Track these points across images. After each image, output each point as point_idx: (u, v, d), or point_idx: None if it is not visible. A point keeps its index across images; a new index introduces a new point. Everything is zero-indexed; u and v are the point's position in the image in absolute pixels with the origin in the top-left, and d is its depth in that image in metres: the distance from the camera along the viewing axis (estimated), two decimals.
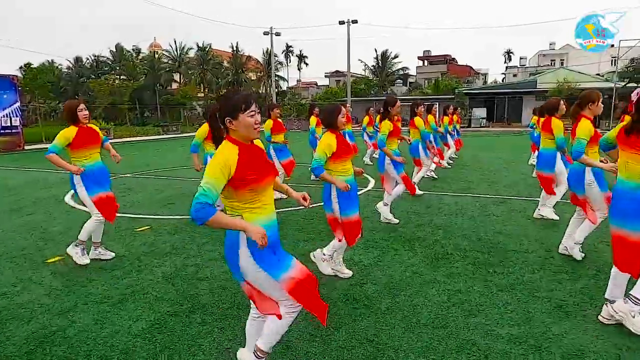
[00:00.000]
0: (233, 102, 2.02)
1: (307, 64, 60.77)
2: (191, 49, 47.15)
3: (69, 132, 3.99)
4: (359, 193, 7.46)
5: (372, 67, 49.76)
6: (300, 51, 61.26)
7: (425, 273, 3.90)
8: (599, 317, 2.98)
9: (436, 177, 9.07)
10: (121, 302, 3.40)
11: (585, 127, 3.76)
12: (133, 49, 47.85)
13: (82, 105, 4.07)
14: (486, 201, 6.85)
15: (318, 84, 63.09)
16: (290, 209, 6.46)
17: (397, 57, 48.72)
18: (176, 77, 49.28)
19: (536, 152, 10.18)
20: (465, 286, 3.59)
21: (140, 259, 4.40)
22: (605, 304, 2.94)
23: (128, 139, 25.68)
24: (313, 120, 8.71)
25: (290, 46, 59.89)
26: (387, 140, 5.25)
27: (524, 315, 3.08)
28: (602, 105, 3.83)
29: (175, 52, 47.60)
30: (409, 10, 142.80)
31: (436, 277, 3.80)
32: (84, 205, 4.45)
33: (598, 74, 38.97)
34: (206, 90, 48.24)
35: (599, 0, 33.13)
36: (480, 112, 36.25)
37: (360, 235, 3.82)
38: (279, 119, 7.04)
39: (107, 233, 5.09)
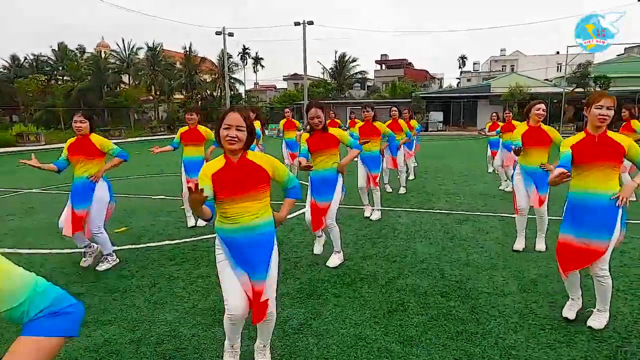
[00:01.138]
0: None
1: (263, 67, 59.07)
2: (141, 48, 44.57)
3: None
4: (295, 213, 6.22)
5: (330, 70, 49.17)
6: (257, 53, 59.85)
7: (373, 338, 2.84)
8: None
9: (391, 190, 8.11)
10: None
11: (563, 143, 2.93)
12: (77, 49, 44.71)
13: None
14: (449, 219, 5.94)
15: (277, 87, 61.84)
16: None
17: (356, 60, 48.32)
18: (125, 78, 46.62)
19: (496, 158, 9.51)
20: None
21: None
22: None
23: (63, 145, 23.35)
24: (258, 124, 7.66)
25: (247, 48, 58.31)
26: (315, 156, 3.96)
27: None
28: (600, 113, 2.68)
29: (124, 52, 44.80)
30: (368, 15, 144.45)
31: (387, 345, 2.75)
32: None
33: (547, 79, 40.28)
34: (158, 93, 45.87)
35: (548, 9, 34.14)
36: (437, 116, 36.39)
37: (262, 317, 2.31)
38: (197, 127, 5.48)
39: None
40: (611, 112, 2.73)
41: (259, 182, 2.24)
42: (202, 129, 5.49)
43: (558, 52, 55.46)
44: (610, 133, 2.81)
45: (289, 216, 6.34)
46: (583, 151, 2.77)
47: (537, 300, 3.36)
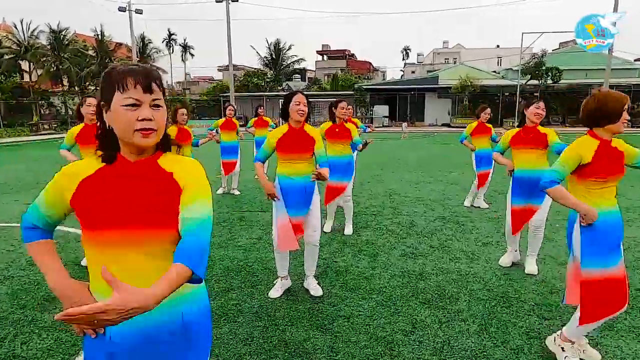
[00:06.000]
0: None
1: (192, 55, 52.97)
2: (43, 32, 37.40)
3: None
4: None
5: (265, 59, 44.28)
6: (185, 39, 53.63)
7: None
8: None
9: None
10: None
11: None
12: None
13: None
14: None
15: (214, 79, 55.94)
16: None
17: (291, 48, 43.69)
18: (26, 66, 39.51)
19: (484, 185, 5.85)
20: None
21: None
22: None
23: None
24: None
25: (173, 33, 51.94)
26: None
27: None
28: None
29: (21, 35, 37.34)
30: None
31: None
32: None
33: (495, 71, 38.27)
34: (67, 83, 39.12)
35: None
36: (382, 110, 32.96)
37: None
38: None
39: None
40: None
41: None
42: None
43: (498, 46, 54.71)
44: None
45: None
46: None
47: None
